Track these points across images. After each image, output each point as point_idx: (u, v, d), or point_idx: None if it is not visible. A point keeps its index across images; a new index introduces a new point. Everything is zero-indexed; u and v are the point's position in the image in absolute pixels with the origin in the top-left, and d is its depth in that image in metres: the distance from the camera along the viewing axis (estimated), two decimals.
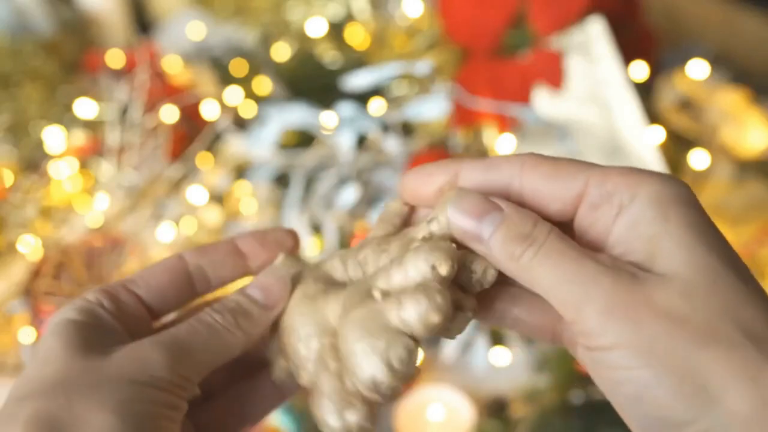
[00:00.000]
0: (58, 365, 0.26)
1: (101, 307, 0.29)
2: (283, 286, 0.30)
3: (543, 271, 0.24)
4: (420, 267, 0.25)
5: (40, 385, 0.25)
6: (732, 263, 0.23)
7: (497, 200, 0.26)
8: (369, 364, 0.24)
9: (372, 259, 0.28)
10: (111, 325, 0.28)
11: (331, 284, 0.30)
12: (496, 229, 0.25)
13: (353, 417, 0.25)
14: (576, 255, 0.24)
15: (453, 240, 0.27)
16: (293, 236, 0.33)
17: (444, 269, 0.25)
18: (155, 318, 0.31)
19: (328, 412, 0.25)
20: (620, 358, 0.22)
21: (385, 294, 0.26)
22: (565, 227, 0.26)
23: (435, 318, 0.24)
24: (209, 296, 0.33)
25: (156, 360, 0.26)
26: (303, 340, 0.28)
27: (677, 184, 0.24)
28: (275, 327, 0.31)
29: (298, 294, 0.30)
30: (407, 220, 0.30)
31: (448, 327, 0.26)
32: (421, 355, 0.25)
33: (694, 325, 0.22)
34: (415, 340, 0.25)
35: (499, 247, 0.25)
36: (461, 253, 0.26)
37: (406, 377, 0.25)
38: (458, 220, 0.26)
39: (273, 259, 0.32)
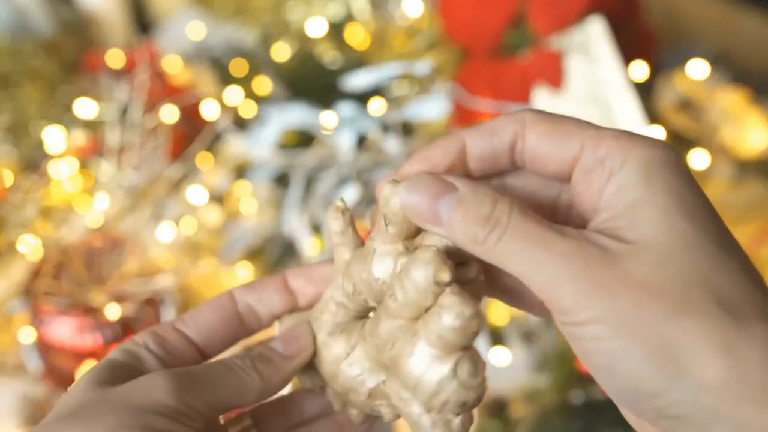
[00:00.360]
0: (74, 398, 0.26)
1: (145, 348, 0.29)
2: (305, 337, 0.30)
3: (511, 255, 0.24)
4: (423, 288, 0.25)
5: (51, 416, 0.26)
6: (712, 230, 0.23)
7: (451, 178, 0.25)
8: (448, 394, 0.25)
9: (366, 288, 0.28)
10: (149, 365, 0.29)
11: (346, 330, 0.30)
12: (453, 211, 0.24)
13: (458, 426, 0.26)
14: (543, 234, 0.23)
15: (413, 232, 0.27)
16: None
17: (445, 276, 0.24)
18: (206, 358, 0.31)
19: None
20: (594, 331, 0.22)
21: (414, 323, 0.26)
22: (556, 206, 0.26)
23: (473, 325, 0.24)
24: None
25: (161, 387, 0.26)
26: (370, 393, 0.29)
27: (666, 149, 0.24)
28: (319, 380, 0.31)
29: (329, 359, 0.30)
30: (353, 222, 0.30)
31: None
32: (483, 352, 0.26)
33: (667, 295, 0.22)
34: (470, 348, 0.25)
35: (460, 230, 0.24)
36: (437, 238, 0.26)
37: (483, 381, 0.25)
38: (412, 205, 0.25)
39: (321, 294, 0.32)
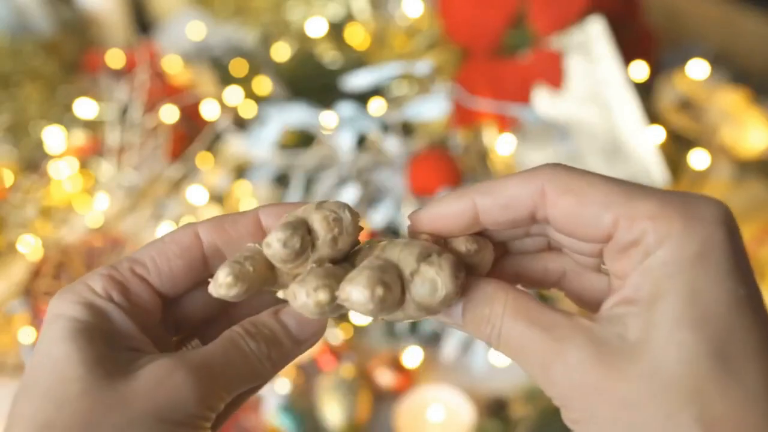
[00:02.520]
0: (81, 389, 0.24)
1: (111, 302, 0.26)
2: (320, 325, 0.28)
3: (510, 353, 0.25)
4: (322, 318, 0.25)
5: (64, 417, 0.23)
6: (722, 341, 0.22)
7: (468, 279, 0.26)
8: (447, 289, 0.25)
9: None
10: (125, 330, 0.26)
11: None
12: (463, 315, 0.26)
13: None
14: (531, 334, 0.24)
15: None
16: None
17: (322, 296, 0.24)
18: (164, 300, 0.28)
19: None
20: (583, 430, 0.23)
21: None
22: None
23: (377, 276, 0.24)
24: None
25: (187, 394, 0.24)
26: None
27: (708, 230, 0.23)
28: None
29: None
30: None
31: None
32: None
33: (650, 414, 0.21)
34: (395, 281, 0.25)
35: (472, 330, 0.26)
36: (279, 265, 0.26)
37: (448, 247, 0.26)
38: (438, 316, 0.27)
39: None
